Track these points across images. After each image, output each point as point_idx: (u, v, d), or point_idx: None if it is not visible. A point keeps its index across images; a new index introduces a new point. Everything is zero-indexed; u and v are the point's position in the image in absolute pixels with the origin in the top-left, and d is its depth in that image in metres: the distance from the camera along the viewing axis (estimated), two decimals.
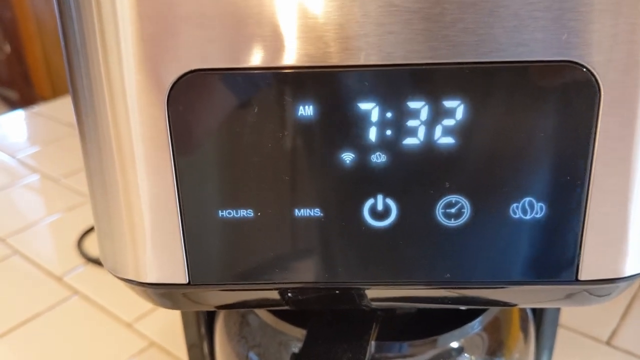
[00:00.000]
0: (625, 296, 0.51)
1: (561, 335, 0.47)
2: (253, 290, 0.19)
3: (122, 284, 0.58)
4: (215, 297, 0.20)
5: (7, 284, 0.57)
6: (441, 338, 0.24)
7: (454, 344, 0.24)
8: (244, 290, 0.19)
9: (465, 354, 0.25)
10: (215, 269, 0.19)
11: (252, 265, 0.19)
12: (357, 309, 0.21)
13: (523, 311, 0.29)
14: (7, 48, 1.62)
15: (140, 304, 0.54)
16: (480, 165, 0.17)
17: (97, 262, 0.59)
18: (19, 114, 0.91)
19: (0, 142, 0.83)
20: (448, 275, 0.18)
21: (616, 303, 0.50)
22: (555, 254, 0.18)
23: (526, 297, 0.20)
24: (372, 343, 0.23)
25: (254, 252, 0.19)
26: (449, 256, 0.18)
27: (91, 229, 0.63)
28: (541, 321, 0.31)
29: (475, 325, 0.24)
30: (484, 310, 0.25)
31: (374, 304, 0.21)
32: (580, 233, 0.18)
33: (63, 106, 0.93)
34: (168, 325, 0.52)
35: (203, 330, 0.31)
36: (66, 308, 0.54)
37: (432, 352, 0.24)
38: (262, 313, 0.26)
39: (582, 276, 0.18)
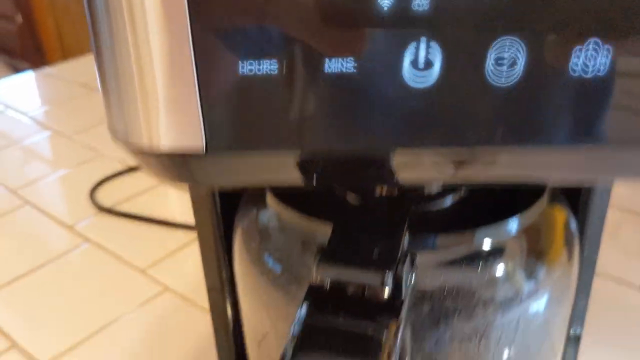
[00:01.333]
0: None
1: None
2: (273, 158, 0.17)
3: (133, 229, 0.57)
4: (233, 167, 0.18)
5: (19, 233, 0.56)
6: (477, 233, 0.22)
7: (491, 242, 0.22)
8: (263, 158, 0.18)
9: (502, 256, 0.23)
10: (233, 133, 0.17)
11: (274, 128, 0.17)
12: (388, 187, 0.19)
13: (568, 229, 0.27)
14: (19, 19, 1.61)
15: (153, 251, 0.53)
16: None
17: (109, 211, 0.58)
18: (30, 75, 0.90)
19: (12, 101, 0.82)
20: (501, 135, 0.16)
21: None
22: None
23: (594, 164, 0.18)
24: (406, 237, 0.21)
25: (276, 114, 0.17)
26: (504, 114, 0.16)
27: (102, 181, 0.62)
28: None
29: (514, 224, 0.23)
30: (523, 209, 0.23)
31: (407, 178, 0.19)
32: None
33: (73, 68, 0.92)
34: (182, 272, 0.50)
35: (222, 258, 0.29)
36: (78, 255, 0.53)
37: (467, 248, 0.22)
38: (282, 213, 0.24)
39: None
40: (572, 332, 0.31)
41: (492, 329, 0.23)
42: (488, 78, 0.16)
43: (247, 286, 0.27)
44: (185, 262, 0.51)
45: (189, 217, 0.56)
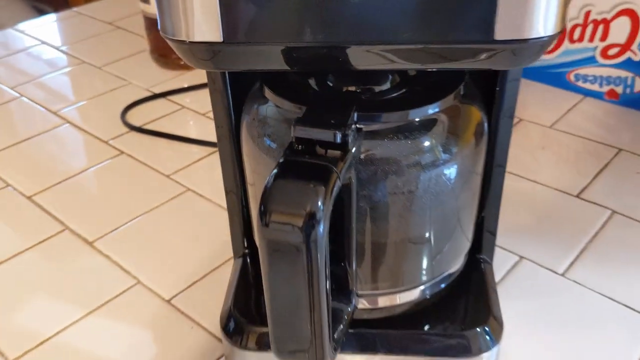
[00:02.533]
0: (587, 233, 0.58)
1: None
2: (273, 46, 0.27)
3: (158, 144, 0.66)
4: (241, 54, 0.28)
5: (61, 147, 0.67)
6: (409, 113, 0.32)
7: (418, 119, 0.32)
8: (267, 47, 0.27)
9: (427, 131, 0.33)
10: (242, 29, 0.26)
11: (272, 26, 0.26)
12: (346, 69, 0.28)
13: (480, 124, 0.36)
14: None
15: (175, 162, 0.63)
16: None
17: (138, 130, 0.68)
18: (56, 16, 0.99)
19: (44, 37, 0.91)
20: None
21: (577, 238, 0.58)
22: (474, 16, 0.25)
23: (457, 56, 0.27)
24: (354, 114, 0.30)
25: (274, 16, 0.26)
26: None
27: (131, 105, 0.72)
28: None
29: (435, 107, 0.32)
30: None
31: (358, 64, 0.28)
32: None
33: (96, 9, 1.00)
34: (199, 178, 0.61)
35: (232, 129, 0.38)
36: (114, 163, 0.63)
37: (400, 124, 0.32)
38: (275, 102, 0.34)
39: (497, 36, 0.25)
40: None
41: (418, 185, 0.33)
42: None
43: (252, 162, 0.37)
44: (201, 171, 0.62)
45: (203, 136, 0.66)
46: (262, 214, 0.28)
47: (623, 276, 0.48)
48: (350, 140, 0.29)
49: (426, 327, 0.39)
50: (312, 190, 0.27)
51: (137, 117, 0.71)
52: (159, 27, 0.29)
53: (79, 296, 0.48)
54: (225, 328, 0.40)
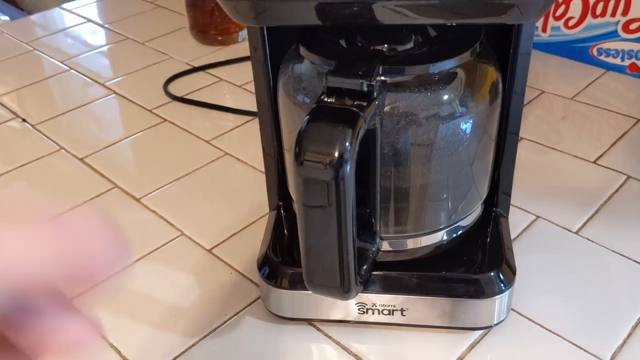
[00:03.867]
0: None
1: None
2: (306, 2, 0.31)
3: (197, 113, 0.70)
4: (279, 10, 0.32)
5: (108, 115, 0.72)
6: (431, 66, 0.35)
7: (437, 72, 0.36)
8: (300, 3, 0.31)
9: (446, 85, 0.36)
10: None
11: None
12: (371, 25, 0.32)
13: (495, 83, 0.39)
14: None
15: (213, 129, 0.67)
16: None
17: (179, 99, 0.73)
18: None
19: (89, 16, 0.97)
20: None
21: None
22: None
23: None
24: (380, 67, 0.34)
25: None
26: None
27: (173, 78, 0.77)
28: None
29: (452, 62, 0.36)
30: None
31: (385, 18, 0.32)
32: None
33: None
34: (236, 143, 0.65)
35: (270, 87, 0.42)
36: (159, 129, 0.68)
37: (421, 77, 0.36)
38: (310, 58, 0.38)
39: None
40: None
41: (436, 135, 0.37)
42: None
43: (287, 119, 0.41)
44: (237, 137, 0.66)
45: (239, 105, 0.71)
46: (297, 154, 0.32)
47: (634, 235, 0.51)
48: (375, 90, 0.33)
49: (444, 271, 0.43)
50: (341, 131, 0.31)
51: (178, 88, 0.75)
52: None
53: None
54: (261, 270, 0.44)
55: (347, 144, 0.31)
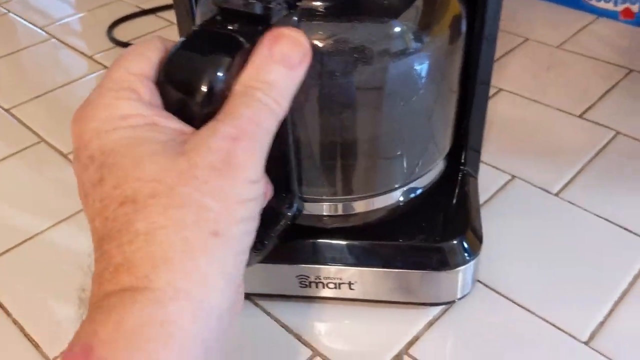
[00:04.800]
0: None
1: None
2: None
3: None
4: None
5: (45, 62, 0.64)
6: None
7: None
8: None
9: (395, 13, 0.29)
10: None
11: None
12: None
13: (457, 18, 0.32)
14: None
15: None
16: None
17: (124, 45, 0.65)
18: None
19: None
20: None
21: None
22: None
23: None
24: None
25: None
26: None
27: (118, 21, 0.69)
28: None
29: None
30: None
31: None
32: None
33: None
34: None
35: None
36: (95, 79, 0.61)
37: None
38: None
39: None
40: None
41: (385, 76, 0.30)
42: None
43: None
44: None
45: None
46: (159, 84, 0.24)
47: (621, 197, 0.45)
48: (274, 14, 0.25)
49: (400, 239, 0.37)
50: (213, 60, 0.23)
51: (124, 33, 0.68)
52: None
53: (52, 204, 0.46)
54: None
55: (219, 74, 0.23)
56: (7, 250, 0.43)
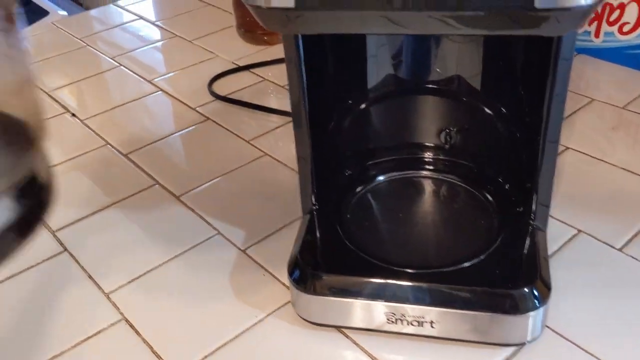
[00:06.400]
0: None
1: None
2: (338, 12, 0.31)
3: (240, 112, 0.71)
4: (310, 19, 0.32)
5: (154, 112, 0.73)
6: None
7: None
8: (332, 13, 0.31)
9: None
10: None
11: None
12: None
13: None
14: None
15: (255, 129, 0.68)
16: None
17: (222, 99, 0.73)
18: None
19: (141, 13, 0.99)
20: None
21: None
22: None
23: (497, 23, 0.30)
24: None
25: None
26: None
27: (218, 77, 0.78)
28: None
29: None
30: None
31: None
32: None
33: None
34: (276, 144, 0.65)
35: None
36: (201, 127, 0.69)
37: None
38: None
39: (537, 4, 0.28)
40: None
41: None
42: None
43: None
44: (278, 138, 0.66)
45: (282, 106, 0.71)
46: None
47: None
48: None
49: (477, 284, 0.42)
50: None
51: (222, 87, 0.76)
52: None
53: (166, 241, 0.54)
54: (291, 274, 0.44)
55: None
56: (131, 281, 0.50)
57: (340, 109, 0.50)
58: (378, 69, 0.47)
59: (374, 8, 0.30)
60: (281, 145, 0.65)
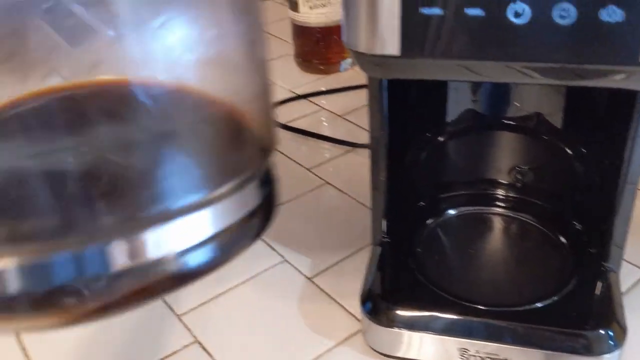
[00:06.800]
0: None
1: None
2: (437, 61, 0.32)
3: (300, 140, 0.72)
4: (412, 66, 0.33)
5: None
6: None
7: None
8: (432, 61, 0.32)
9: None
10: (417, 46, 0.31)
11: (440, 45, 0.31)
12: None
13: None
14: None
15: (315, 157, 0.69)
16: None
17: (283, 126, 0.75)
18: None
19: None
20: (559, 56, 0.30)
21: None
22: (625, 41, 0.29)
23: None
24: None
25: (441, 36, 0.31)
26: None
27: (277, 104, 0.79)
28: None
29: None
30: None
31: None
32: None
33: None
34: (338, 173, 0.66)
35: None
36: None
37: None
38: None
39: None
40: None
41: None
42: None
43: None
44: (340, 167, 0.68)
45: (338, 135, 0.72)
46: None
47: None
48: None
49: (551, 324, 0.42)
50: None
51: (280, 115, 0.78)
52: (343, 38, 0.35)
53: (234, 266, 0.55)
54: (364, 305, 0.45)
55: None
56: (202, 303, 0.51)
57: (417, 141, 0.51)
58: (458, 102, 0.48)
59: (477, 58, 0.31)
60: (340, 174, 0.66)
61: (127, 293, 0.31)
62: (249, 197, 0.35)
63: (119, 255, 0.29)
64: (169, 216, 0.30)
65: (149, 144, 0.32)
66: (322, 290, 0.52)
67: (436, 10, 0.31)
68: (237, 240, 0.35)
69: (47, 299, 0.28)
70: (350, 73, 0.88)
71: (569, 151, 0.46)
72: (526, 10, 0.30)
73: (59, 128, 0.31)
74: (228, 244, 0.35)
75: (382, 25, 0.32)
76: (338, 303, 0.50)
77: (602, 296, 0.44)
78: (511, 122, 0.47)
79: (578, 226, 0.48)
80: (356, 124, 0.75)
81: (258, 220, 0.36)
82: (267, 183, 0.37)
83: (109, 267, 0.29)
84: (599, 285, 0.44)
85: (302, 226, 0.59)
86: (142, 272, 0.30)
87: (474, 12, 0.30)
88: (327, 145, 0.72)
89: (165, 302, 0.52)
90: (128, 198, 0.30)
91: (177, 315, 0.50)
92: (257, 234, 0.36)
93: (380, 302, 0.44)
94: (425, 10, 0.31)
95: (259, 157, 0.38)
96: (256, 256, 0.56)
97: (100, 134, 0.31)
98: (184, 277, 0.34)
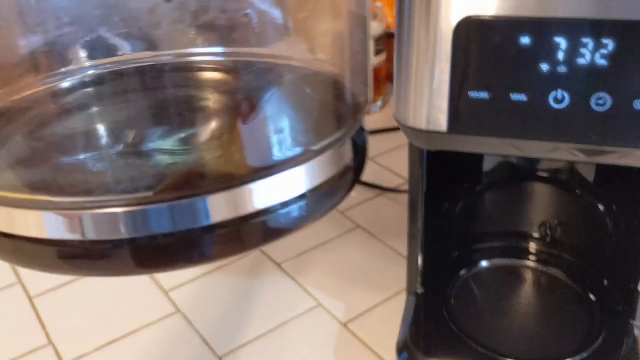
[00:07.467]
0: None
1: None
2: (481, 138, 0.35)
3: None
4: (458, 142, 0.35)
5: None
6: None
7: None
8: (476, 139, 0.35)
9: None
10: (463, 126, 0.34)
11: (483, 125, 0.34)
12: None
13: None
14: None
15: (349, 200, 0.71)
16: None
17: None
18: None
19: None
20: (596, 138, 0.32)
21: None
22: None
23: None
24: None
25: (486, 119, 0.34)
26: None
27: None
28: None
29: None
30: None
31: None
32: None
33: None
34: (369, 216, 0.69)
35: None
36: None
37: None
38: None
39: None
40: None
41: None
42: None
43: None
44: (370, 210, 0.70)
45: (372, 179, 0.75)
46: None
47: None
48: None
49: None
50: None
51: None
52: (392, 110, 0.38)
53: (266, 311, 0.57)
54: (400, 355, 0.47)
55: None
56: (243, 345, 0.54)
57: (454, 192, 0.53)
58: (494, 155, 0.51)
59: (519, 137, 0.34)
60: (372, 218, 0.69)
61: (225, 244, 0.34)
62: (345, 152, 0.38)
63: (221, 206, 0.32)
64: (274, 170, 0.34)
65: (257, 103, 0.37)
66: (356, 336, 0.54)
67: (483, 95, 0.33)
68: (334, 193, 0.39)
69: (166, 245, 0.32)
70: (380, 115, 0.90)
71: (600, 207, 0.48)
72: (566, 98, 0.32)
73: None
74: (325, 197, 0.38)
75: (431, 105, 0.34)
76: (372, 350, 0.53)
77: (628, 354, 0.46)
78: (545, 174, 0.50)
79: (606, 282, 0.50)
80: (384, 167, 0.78)
81: (352, 174, 0.39)
82: (360, 139, 0.40)
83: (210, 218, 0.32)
84: (626, 342, 0.46)
85: (335, 270, 0.62)
86: (244, 224, 0.34)
87: (518, 97, 0.33)
88: (358, 188, 0.74)
89: (205, 342, 0.54)
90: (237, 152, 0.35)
91: (219, 356, 0.53)
92: (350, 188, 0.39)
93: (416, 353, 0.46)
94: (473, 95, 0.33)
95: (353, 114, 0.41)
96: (291, 300, 0.58)
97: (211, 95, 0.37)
98: (282, 230, 0.37)
